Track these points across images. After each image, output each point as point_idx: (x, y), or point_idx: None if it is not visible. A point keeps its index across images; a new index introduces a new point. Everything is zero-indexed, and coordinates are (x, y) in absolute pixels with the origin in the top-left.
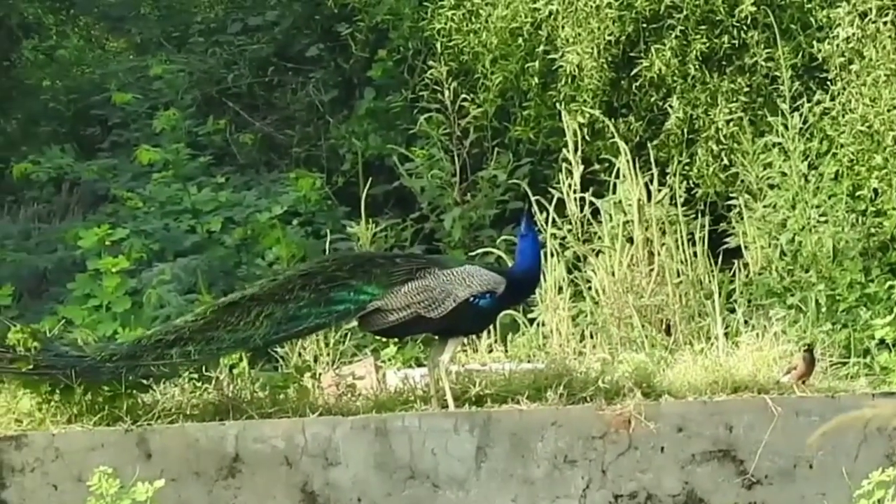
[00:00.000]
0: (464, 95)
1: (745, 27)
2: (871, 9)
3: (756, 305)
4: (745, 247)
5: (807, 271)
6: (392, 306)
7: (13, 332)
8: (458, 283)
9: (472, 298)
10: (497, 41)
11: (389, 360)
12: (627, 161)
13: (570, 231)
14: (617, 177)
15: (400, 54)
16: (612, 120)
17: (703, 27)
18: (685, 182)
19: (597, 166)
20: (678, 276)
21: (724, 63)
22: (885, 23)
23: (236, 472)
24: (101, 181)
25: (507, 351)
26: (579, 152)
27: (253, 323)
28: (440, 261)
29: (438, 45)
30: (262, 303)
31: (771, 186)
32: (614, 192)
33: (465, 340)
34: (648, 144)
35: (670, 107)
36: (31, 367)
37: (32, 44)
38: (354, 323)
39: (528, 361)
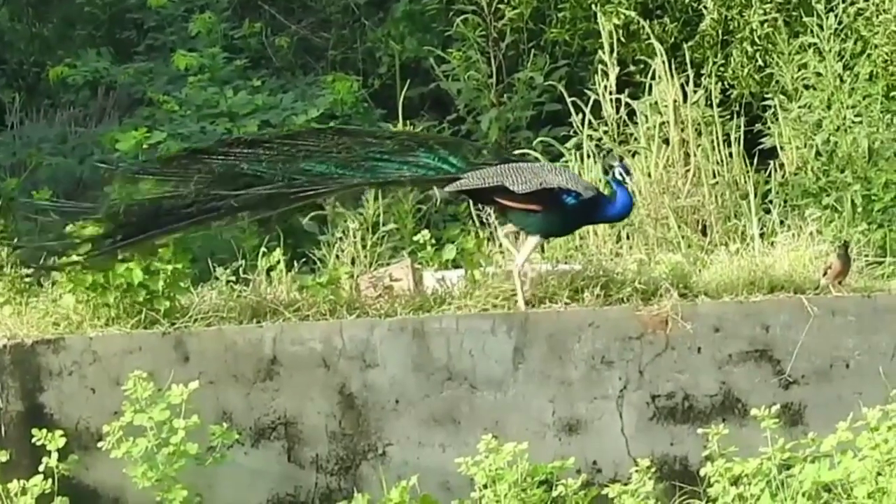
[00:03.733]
0: None
1: None
2: None
3: (792, 206)
4: (781, 147)
5: (842, 171)
6: (477, 177)
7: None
8: (550, 172)
9: (558, 189)
10: None
11: (427, 261)
12: (663, 62)
13: (606, 132)
14: (652, 78)
15: None
16: (648, 21)
17: None
18: (720, 83)
19: (632, 68)
20: (714, 176)
21: None
22: None
23: (274, 375)
24: (137, 85)
25: (543, 252)
26: (615, 54)
27: (332, 150)
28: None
29: None
30: (346, 135)
31: (806, 87)
32: (650, 94)
33: (543, 244)
34: (684, 45)
35: (705, 8)
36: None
37: None
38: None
39: (566, 263)
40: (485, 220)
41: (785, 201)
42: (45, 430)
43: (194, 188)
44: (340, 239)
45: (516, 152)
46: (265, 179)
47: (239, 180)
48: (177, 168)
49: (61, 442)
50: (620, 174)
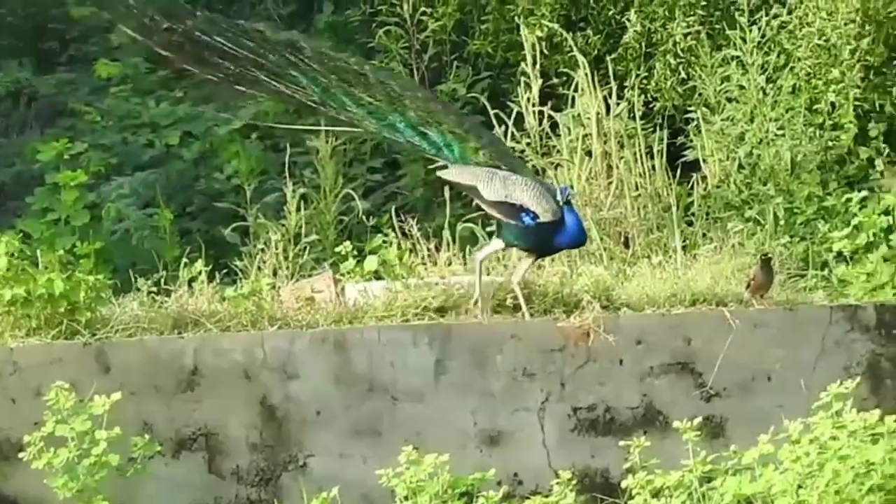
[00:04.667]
0: (422, 9)
1: None
2: None
3: (714, 218)
4: (703, 160)
5: (765, 184)
6: (457, 172)
7: None
8: (523, 187)
9: (519, 206)
10: None
11: (348, 273)
12: (586, 74)
13: (528, 145)
14: (575, 90)
15: None
16: (571, 33)
17: None
18: (643, 95)
19: (555, 80)
20: (636, 189)
21: None
22: None
23: (195, 386)
24: (59, 95)
25: (465, 264)
26: (538, 66)
27: (366, 99)
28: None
29: None
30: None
31: (729, 100)
32: (573, 106)
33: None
34: (607, 58)
35: (628, 20)
36: None
37: None
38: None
39: (488, 274)
40: (407, 232)
41: (707, 214)
42: None
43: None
44: (262, 250)
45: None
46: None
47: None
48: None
49: None
50: (563, 198)
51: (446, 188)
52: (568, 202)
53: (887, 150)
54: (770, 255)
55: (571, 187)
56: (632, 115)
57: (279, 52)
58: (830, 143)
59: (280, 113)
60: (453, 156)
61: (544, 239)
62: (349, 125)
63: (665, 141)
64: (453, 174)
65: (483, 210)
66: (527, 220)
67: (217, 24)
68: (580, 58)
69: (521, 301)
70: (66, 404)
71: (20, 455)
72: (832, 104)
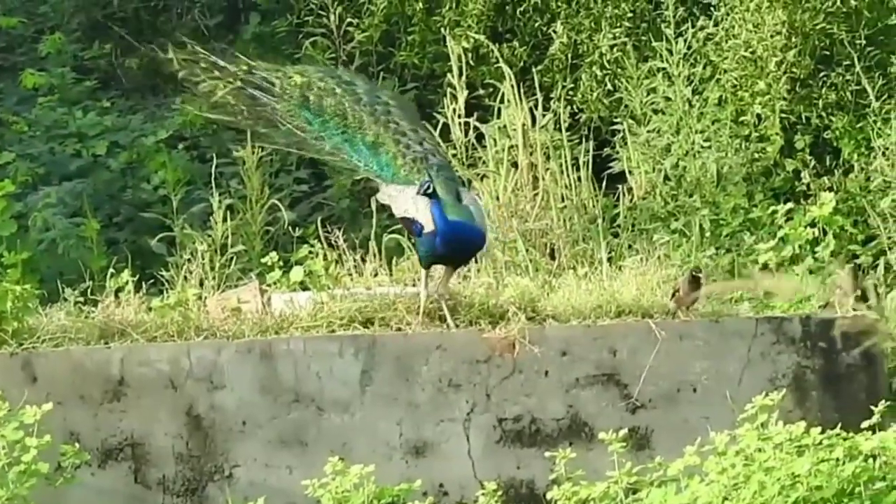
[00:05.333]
0: (349, 20)
1: None
2: None
3: (640, 230)
4: (630, 172)
5: (690, 196)
6: (384, 192)
7: None
8: (416, 200)
9: (412, 219)
10: None
11: (274, 283)
12: (512, 86)
13: (454, 156)
14: (501, 102)
15: None
16: (497, 45)
17: None
18: (569, 107)
19: (481, 91)
20: (562, 200)
21: None
22: None
23: (121, 396)
24: None
25: (391, 275)
26: (464, 77)
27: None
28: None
29: None
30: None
31: (655, 111)
32: (499, 117)
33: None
34: (533, 69)
35: (554, 32)
36: None
37: None
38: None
39: (413, 285)
40: (333, 243)
41: (633, 225)
42: None
43: None
44: (189, 260)
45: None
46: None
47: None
48: None
49: None
50: (427, 187)
51: (372, 199)
52: (430, 195)
53: (813, 162)
54: (698, 267)
55: (430, 179)
56: (558, 126)
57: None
58: (756, 155)
59: (207, 124)
60: (385, 176)
61: (435, 248)
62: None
63: (591, 152)
64: (380, 194)
65: None
66: (417, 231)
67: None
68: (506, 69)
69: (446, 312)
70: None
71: None
72: (758, 116)
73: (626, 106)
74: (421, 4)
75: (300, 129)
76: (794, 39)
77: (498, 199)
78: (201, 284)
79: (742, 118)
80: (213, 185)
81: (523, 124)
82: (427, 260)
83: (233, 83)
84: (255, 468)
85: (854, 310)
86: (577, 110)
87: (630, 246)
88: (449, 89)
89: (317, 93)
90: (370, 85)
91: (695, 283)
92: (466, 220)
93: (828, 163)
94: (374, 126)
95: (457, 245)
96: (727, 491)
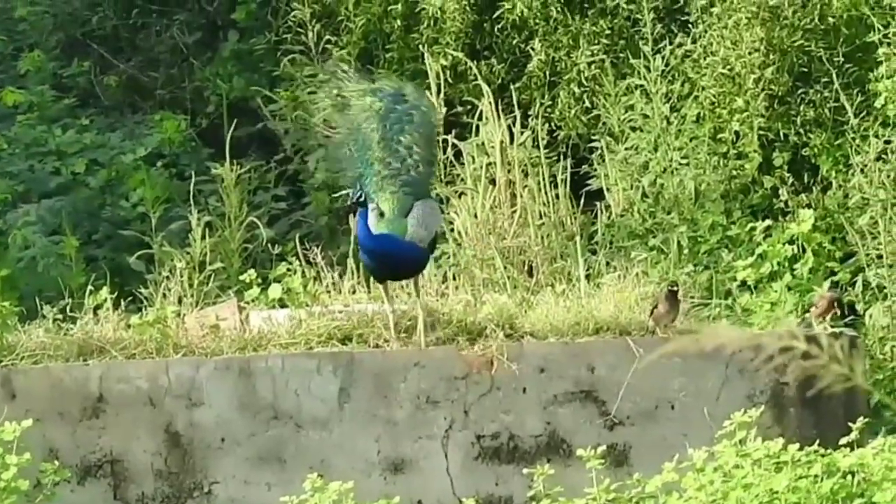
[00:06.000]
0: (327, 37)
1: None
2: None
3: (618, 247)
4: (607, 189)
5: (668, 213)
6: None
7: None
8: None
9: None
10: None
11: (253, 301)
12: (490, 103)
13: None
14: (479, 119)
15: None
16: (475, 62)
17: None
18: (547, 124)
19: (459, 108)
20: (540, 217)
21: (585, 5)
22: None
23: (100, 413)
24: None
25: (369, 292)
26: (442, 95)
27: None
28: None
29: None
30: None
31: (633, 129)
32: (477, 135)
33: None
34: (511, 87)
35: (532, 49)
36: None
37: None
38: None
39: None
40: (311, 260)
41: (611, 243)
42: None
43: None
44: (167, 278)
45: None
46: None
47: None
48: None
49: None
50: (359, 196)
51: (350, 217)
52: (360, 204)
53: (791, 180)
54: (677, 287)
55: (360, 189)
56: (536, 143)
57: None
58: (734, 173)
59: (185, 141)
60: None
61: (364, 261)
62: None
63: (569, 170)
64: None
65: None
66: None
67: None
68: (484, 86)
69: (420, 327)
70: None
71: None
72: (736, 133)
73: (604, 123)
74: (399, 22)
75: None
76: (772, 56)
77: (476, 216)
78: (180, 302)
79: (720, 135)
80: (192, 202)
81: (501, 142)
82: (369, 273)
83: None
84: (234, 485)
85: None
86: (555, 127)
87: (608, 263)
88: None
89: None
90: (398, 86)
91: (672, 299)
92: (396, 233)
93: (806, 180)
94: (378, 145)
95: (382, 259)
96: None
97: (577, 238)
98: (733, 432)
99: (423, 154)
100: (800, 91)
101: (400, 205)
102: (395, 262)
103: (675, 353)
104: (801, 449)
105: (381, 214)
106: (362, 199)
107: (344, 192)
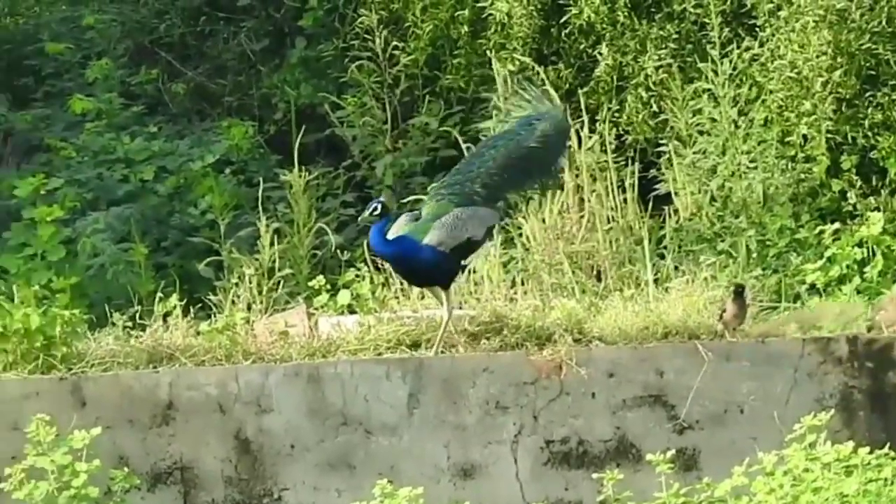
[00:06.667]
0: (394, 44)
1: None
2: None
3: (686, 251)
4: (675, 193)
5: (737, 217)
6: None
7: None
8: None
9: None
10: None
11: (322, 307)
12: None
13: None
14: None
15: (331, 3)
16: (542, 67)
17: None
18: (615, 129)
19: None
20: (608, 222)
21: (652, 10)
22: None
23: (170, 420)
24: (34, 131)
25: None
26: (509, 100)
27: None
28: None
29: None
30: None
31: (700, 133)
32: None
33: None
34: (578, 91)
35: (599, 54)
36: None
37: None
38: None
39: (460, 308)
40: (380, 266)
41: (679, 247)
42: None
43: None
44: (236, 284)
45: (410, 198)
46: None
47: None
48: None
49: None
50: (374, 210)
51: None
52: (379, 215)
53: (859, 182)
54: (743, 287)
55: (379, 202)
56: (603, 148)
57: None
58: (803, 176)
59: (253, 148)
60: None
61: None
62: None
63: (637, 174)
64: None
65: None
66: None
67: None
68: (552, 91)
69: (438, 336)
70: (46, 437)
71: (1, 486)
72: (804, 136)
73: (672, 127)
74: (466, 27)
75: None
76: (839, 60)
77: (544, 221)
78: (249, 308)
79: (788, 139)
80: (261, 209)
81: (569, 146)
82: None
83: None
84: (303, 491)
85: None
86: (622, 132)
87: (676, 267)
88: (495, 112)
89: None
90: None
91: (740, 301)
92: (414, 236)
93: (874, 182)
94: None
95: (396, 263)
96: None
97: (646, 242)
98: (803, 436)
99: (492, 173)
100: (868, 94)
101: (437, 211)
102: (408, 264)
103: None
104: (871, 452)
105: (416, 219)
106: (377, 212)
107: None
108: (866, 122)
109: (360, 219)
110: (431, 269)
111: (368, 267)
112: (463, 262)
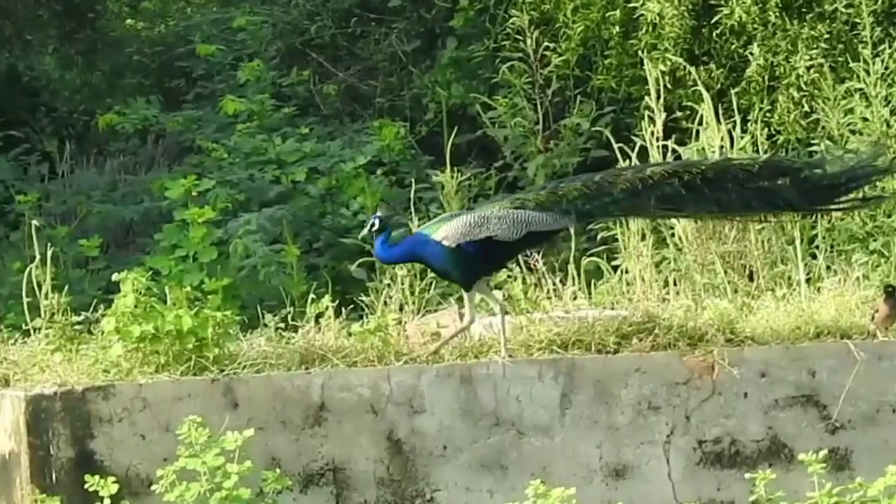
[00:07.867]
0: (546, 44)
1: None
2: None
3: (838, 251)
4: None
5: (889, 216)
6: None
7: None
8: None
9: None
10: None
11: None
12: (709, 108)
13: None
14: (699, 124)
15: (481, 3)
16: (694, 67)
17: None
18: (766, 128)
19: (679, 114)
20: (761, 222)
21: (803, 10)
22: None
23: (322, 421)
24: (186, 132)
25: (590, 298)
26: (661, 100)
27: None
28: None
29: None
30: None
31: (852, 132)
32: (697, 140)
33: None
34: (730, 91)
35: (751, 54)
36: None
37: None
38: None
39: (612, 308)
40: (532, 266)
41: (832, 246)
42: (97, 477)
43: None
44: (388, 285)
45: None
46: None
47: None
48: None
49: (114, 488)
50: (372, 226)
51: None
52: (380, 229)
53: None
54: (893, 288)
55: (379, 217)
56: (756, 148)
57: None
58: None
59: (404, 148)
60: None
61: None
62: None
63: None
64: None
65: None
66: None
67: None
68: (704, 91)
69: (441, 339)
70: (198, 439)
71: (152, 487)
72: None
73: (823, 127)
74: (617, 28)
75: None
76: None
77: (696, 221)
78: (401, 309)
79: None
80: (412, 209)
81: (721, 146)
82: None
83: None
84: (455, 492)
85: None
86: (774, 132)
87: (828, 267)
88: (646, 112)
89: None
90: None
91: (892, 301)
92: (426, 232)
93: None
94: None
95: (413, 261)
96: None
97: (797, 242)
98: None
99: (563, 195)
100: None
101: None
102: (419, 259)
103: None
104: None
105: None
106: (375, 228)
107: None
108: None
109: (360, 236)
110: (438, 263)
111: (521, 267)
112: (490, 263)
